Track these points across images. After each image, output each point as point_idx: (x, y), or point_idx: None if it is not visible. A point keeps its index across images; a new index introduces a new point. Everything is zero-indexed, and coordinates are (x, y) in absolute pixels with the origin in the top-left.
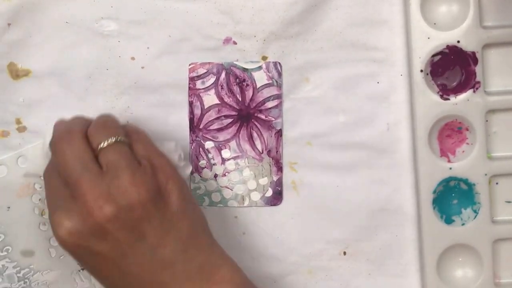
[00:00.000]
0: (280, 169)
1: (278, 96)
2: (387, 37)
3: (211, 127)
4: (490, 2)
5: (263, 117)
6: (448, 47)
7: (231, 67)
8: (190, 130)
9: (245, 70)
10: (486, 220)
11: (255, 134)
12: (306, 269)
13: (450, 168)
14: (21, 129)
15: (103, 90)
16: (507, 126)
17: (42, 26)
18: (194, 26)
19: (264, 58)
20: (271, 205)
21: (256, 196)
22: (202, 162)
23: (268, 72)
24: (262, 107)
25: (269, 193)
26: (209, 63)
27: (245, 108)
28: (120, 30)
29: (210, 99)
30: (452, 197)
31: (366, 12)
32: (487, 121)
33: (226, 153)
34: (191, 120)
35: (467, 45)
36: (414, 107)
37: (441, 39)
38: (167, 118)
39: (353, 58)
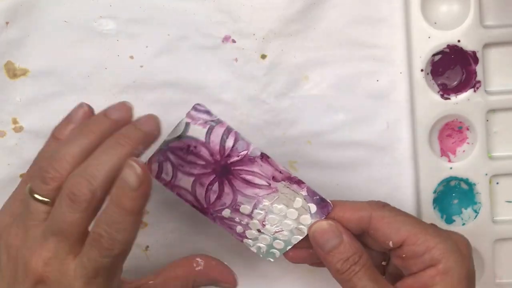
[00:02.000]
0: (298, 182)
1: (229, 130)
2: (386, 35)
3: (212, 201)
4: (491, 2)
5: (236, 158)
6: (448, 46)
7: (169, 146)
8: (204, 214)
9: (180, 137)
10: (486, 220)
11: (247, 177)
12: (306, 267)
13: (451, 168)
14: (18, 129)
15: (102, 89)
16: (507, 126)
17: (41, 25)
18: (193, 25)
19: (263, 56)
20: (326, 215)
21: (307, 220)
22: (239, 228)
23: (197, 121)
24: (227, 152)
25: (313, 208)
26: (151, 157)
27: (215, 164)
28: (119, 29)
29: (185, 182)
30: (452, 197)
31: (365, 9)
32: (487, 120)
33: (245, 209)
34: (197, 208)
35: (468, 45)
36: (414, 107)
37: (441, 38)
38: (166, 117)
39: (353, 56)
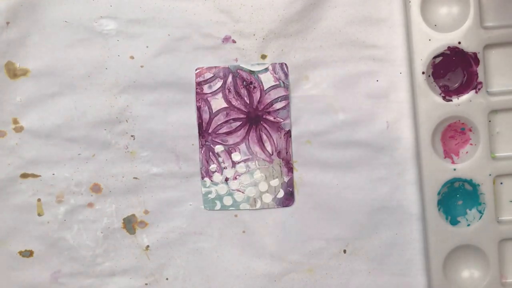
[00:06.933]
0: (290, 169)
1: (286, 97)
2: (386, 35)
3: (220, 131)
4: (490, 3)
5: (271, 118)
6: (449, 48)
7: (238, 70)
8: (200, 134)
9: (251, 72)
10: (491, 221)
11: (264, 136)
12: (306, 268)
13: (454, 169)
14: (18, 129)
15: (102, 89)
16: (510, 126)
17: (41, 25)
18: (193, 25)
19: (263, 56)
20: (283, 207)
21: (268, 198)
22: (213, 166)
23: (275, 73)
24: (270, 109)
25: (281, 194)
26: (215, 67)
27: (253, 110)
28: (119, 29)
29: (218, 103)
30: (457, 198)
31: (365, 10)
32: (490, 121)
33: (236, 156)
34: (200, 124)
35: (468, 46)
36: (416, 109)
37: (442, 40)
38: (166, 117)
39: (352, 56)
